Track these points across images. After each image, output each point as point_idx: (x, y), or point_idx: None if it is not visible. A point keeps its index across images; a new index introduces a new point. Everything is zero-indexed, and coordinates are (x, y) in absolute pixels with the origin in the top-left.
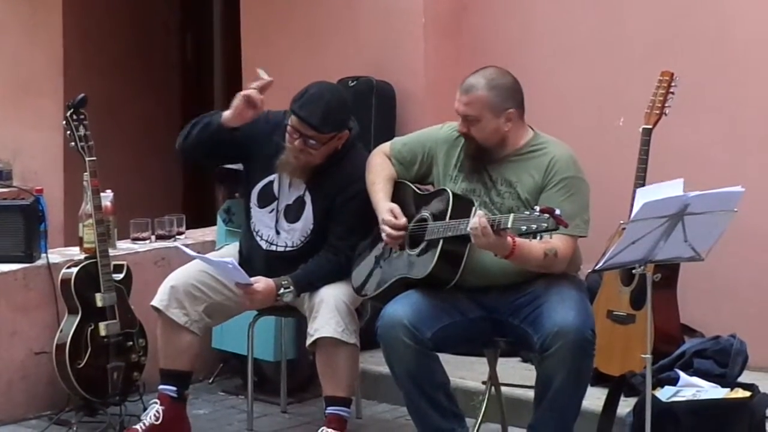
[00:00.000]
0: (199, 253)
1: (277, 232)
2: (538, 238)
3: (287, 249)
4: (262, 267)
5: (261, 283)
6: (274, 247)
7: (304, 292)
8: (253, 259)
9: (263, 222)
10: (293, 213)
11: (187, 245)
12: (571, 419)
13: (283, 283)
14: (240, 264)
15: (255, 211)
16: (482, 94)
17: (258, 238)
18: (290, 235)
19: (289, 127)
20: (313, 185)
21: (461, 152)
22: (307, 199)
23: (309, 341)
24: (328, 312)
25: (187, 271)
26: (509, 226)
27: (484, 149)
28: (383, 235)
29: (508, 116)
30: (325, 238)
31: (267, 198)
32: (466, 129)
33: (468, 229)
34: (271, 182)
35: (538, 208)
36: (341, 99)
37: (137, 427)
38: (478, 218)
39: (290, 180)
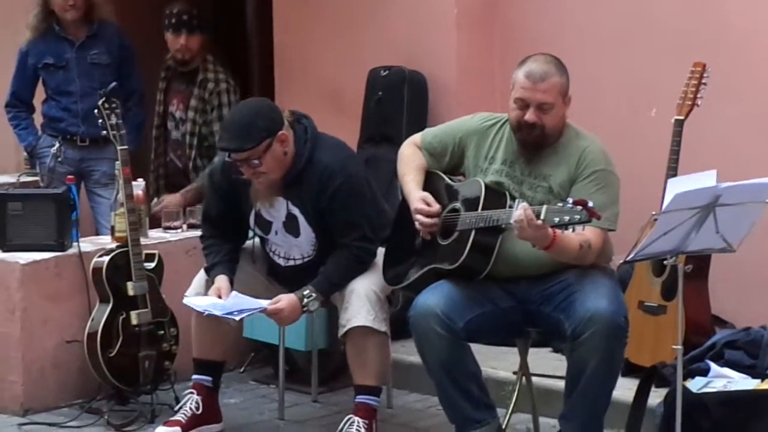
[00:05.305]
0: None
1: (290, 248)
2: (571, 230)
3: (305, 260)
4: (289, 281)
5: (282, 301)
6: (293, 262)
7: (331, 294)
8: (280, 274)
9: (275, 243)
10: (292, 228)
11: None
12: (602, 409)
13: (304, 293)
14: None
15: (264, 236)
16: (558, 80)
17: (276, 258)
18: (301, 247)
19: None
20: (293, 197)
21: (494, 144)
22: (295, 211)
23: (341, 332)
24: (359, 301)
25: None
26: (542, 217)
27: (546, 137)
28: (416, 224)
29: (568, 100)
30: (332, 239)
31: (265, 225)
32: (536, 118)
33: (512, 221)
34: (259, 211)
35: (571, 200)
36: (251, 110)
37: (179, 418)
38: (522, 210)
39: (270, 202)
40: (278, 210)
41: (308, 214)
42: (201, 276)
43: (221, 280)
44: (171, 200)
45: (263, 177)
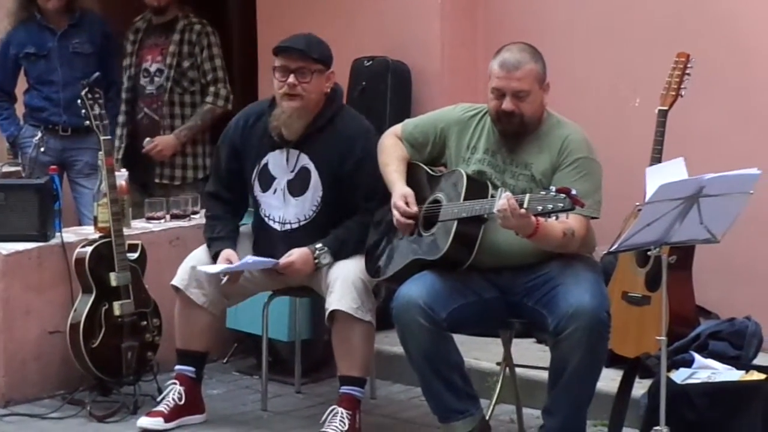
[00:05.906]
0: None
1: (287, 209)
2: (554, 218)
3: (302, 223)
4: (282, 249)
5: (294, 254)
6: (288, 226)
7: (339, 256)
8: (271, 244)
9: (271, 205)
10: (298, 185)
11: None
12: (586, 402)
13: (317, 246)
14: (257, 252)
15: (261, 196)
16: (532, 66)
17: (271, 222)
18: (300, 208)
19: (276, 74)
20: (312, 151)
21: (475, 134)
22: (311, 166)
23: (326, 315)
24: (346, 287)
25: (207, 251)
26: (525, 206)
27: (526, 125)
28: (394, 219)
29: (546, 87)
30: (337, 203)
31: (267, 180)
32: (514, 106)
33: (495, 210)
34: (266, 164)
35: (554, 188)
36: (321, 39)
37: (161, 409)
38: (506, 199)
39: (287, 154)
40: (290, 163)
41: (323, 171)
42: (186, 265)
43: (228, 252)
44: (162, 140)
45: (298, 100)
